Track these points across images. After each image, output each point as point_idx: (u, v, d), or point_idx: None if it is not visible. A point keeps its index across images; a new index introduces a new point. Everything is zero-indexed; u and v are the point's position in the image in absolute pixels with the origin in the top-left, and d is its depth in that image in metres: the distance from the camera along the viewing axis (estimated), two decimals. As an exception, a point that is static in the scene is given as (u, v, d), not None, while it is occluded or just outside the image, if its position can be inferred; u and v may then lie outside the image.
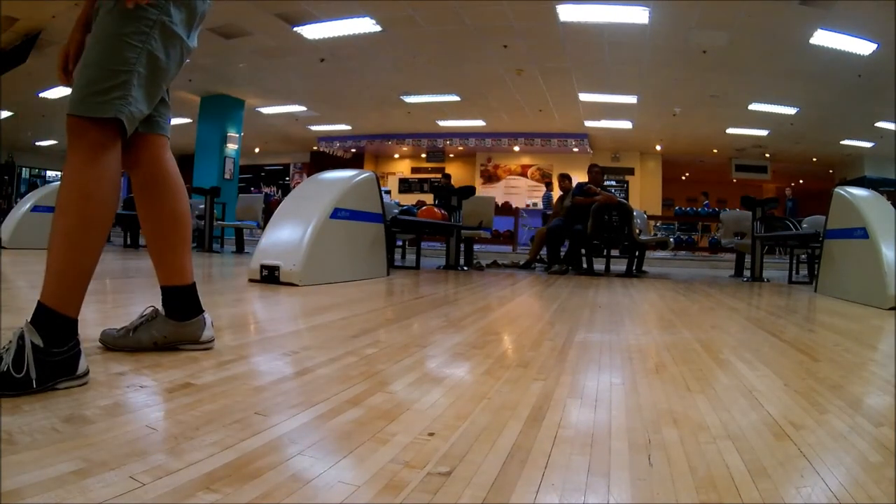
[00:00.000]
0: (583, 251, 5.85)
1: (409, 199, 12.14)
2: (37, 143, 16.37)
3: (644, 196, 14.19)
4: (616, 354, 1.64)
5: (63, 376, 1.03)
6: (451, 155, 16.18)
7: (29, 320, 1.04)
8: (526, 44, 7.90)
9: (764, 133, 11.74)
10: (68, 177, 1.09)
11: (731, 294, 3.99)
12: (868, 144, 11.91)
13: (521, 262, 6.60)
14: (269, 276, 3.18)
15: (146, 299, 1.34)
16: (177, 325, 1.36)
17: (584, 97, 10.32)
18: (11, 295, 2.23)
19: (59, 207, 1.09)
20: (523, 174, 15.61)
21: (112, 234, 9.29)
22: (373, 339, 1.71)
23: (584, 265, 5.78)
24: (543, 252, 6.53)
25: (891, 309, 3.03)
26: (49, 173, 18.32)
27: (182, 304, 1.37)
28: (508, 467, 0.78)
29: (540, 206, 13.20)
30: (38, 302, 1.06)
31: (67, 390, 1.02)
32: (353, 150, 15.77)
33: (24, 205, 5.67)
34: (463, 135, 13.94)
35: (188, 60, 1.28)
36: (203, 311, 1.40)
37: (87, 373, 1.07)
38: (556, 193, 8.37)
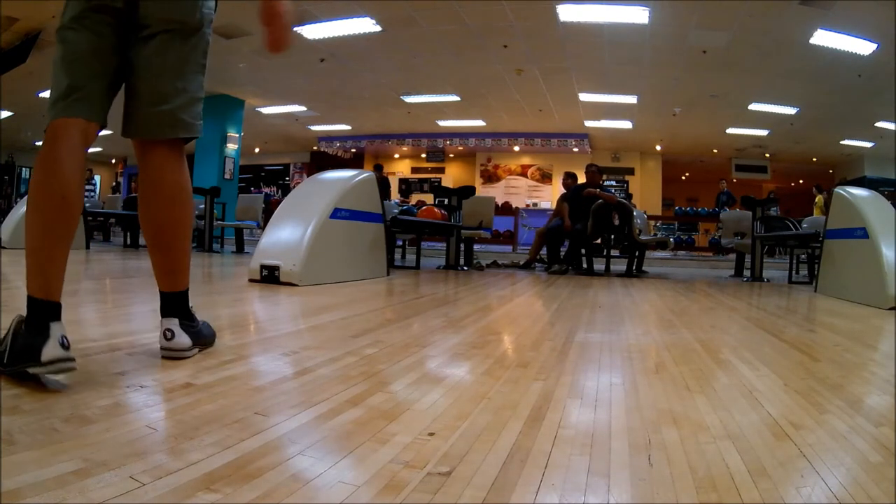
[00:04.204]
0: (583, 251, 5.85)
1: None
2: (37, 143, 16.34)
3: (644, 196, 14.19)
4: (616, 354, 1.64)
5: (25, 361, 1.00)
6: (451, 155, 16.17)
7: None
8: (526, 44, 7.90)
9: (764, 133, 11.74)
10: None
11: (731, 294, 3.99)
12: (868, 144, 11.91)
13: (521, 263, 6.59)
14: (269, 276, 3.18)
15: (146, 299, 1.34)
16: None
17: (584, 97, 10.32)
18: (11, 294, 2.23)
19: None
20: (523, 174, 15.60)
21: (112, 233, 9.31)
22: (373, 339, 1.70)
23: (584, 265, 5.78)
24: (543, 252, 6.53)
25: (891, 309, 3.03)
26: (49, 173, 18.26)
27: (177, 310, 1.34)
28: (508, 467, 0.78)
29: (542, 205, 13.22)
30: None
31: (67, 390, 1.02)
32: (353, 150, 15.77)
33: (24, 205, 5.67)
34: (463, 135, 13.93)
35: None
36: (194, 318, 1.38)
37: (56, 361, 1.02)
38: (556, 193, 8.35)
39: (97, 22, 1.18)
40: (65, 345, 1.05)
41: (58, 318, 1.10)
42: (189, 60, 1.27)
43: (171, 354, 1.29)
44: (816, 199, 11.53)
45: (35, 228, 1.15)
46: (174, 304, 1.31)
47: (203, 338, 1.38)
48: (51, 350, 1.02)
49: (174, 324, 1.29)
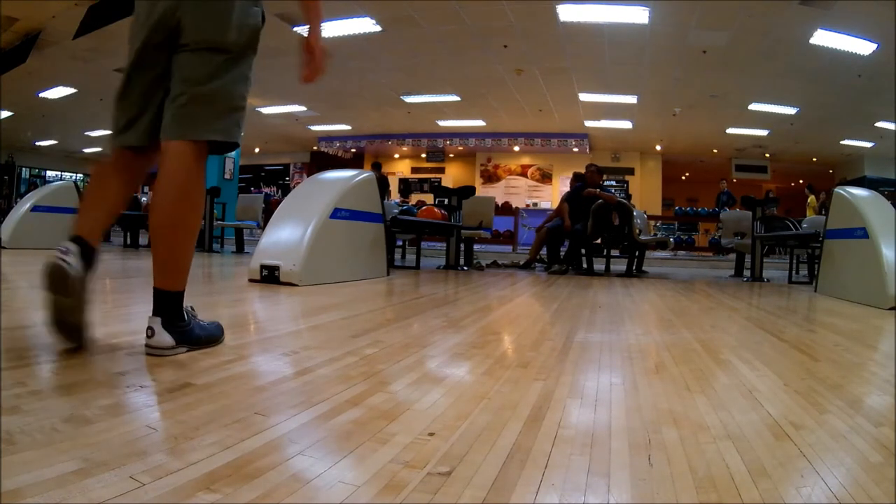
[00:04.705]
0: (583, 251, 5.85)
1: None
2: (37, 143, 16.37)
3: (644, 196, 14.19)
4: (616, 354, 1.63)
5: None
6: (451, 155, 16.18)
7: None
8: (526, 44, 7.90)
9: (764, 133, 11.74)
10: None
11: (731, 294, 3.99)
12: (868, 144, 11.92)
13: (521, 263, 6.59)
14: (269, 276, 3.18)
15: (146, 299, 1.34)
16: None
17: (584, 97, 10.33)
18: (11, 295, 2.23)
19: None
20: (523, 174, 15.61)
21: (112, 234, 9.31)
22: (373, 339, 1.70)
23: (584, 265, 5.78)
24: (543, 252, 6.53)
25: (891, 309, 3.03)
26: (49, 173, 18.31)
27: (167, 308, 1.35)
28: (508, 467, 0.78)
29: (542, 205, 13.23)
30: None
31: (67, 390, 1.02)
32: (353, 150, 15.77)
33: (24, 205, 5.67)
34: (463, 135, 13.94)
35: None
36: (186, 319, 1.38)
37: (54, 257, 1.20)
38: (556, 193, 8.33)
39: (145, 64, 1.34)
40: (63, 250, 1.22)
41: (77, 242, 1.25)
42: (225, 70, 1.34)
43: (151, 352, 1.31)
44: (809, 199, 11.53)
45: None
46: (161, 303, 1.33)
47: (195, 338, 1.37)
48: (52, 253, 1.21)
49: (157, 322, 1.31)
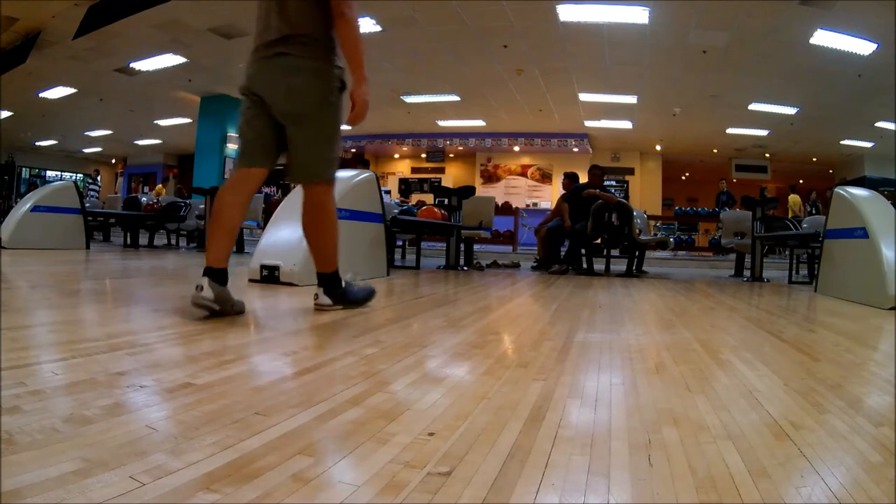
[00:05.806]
0: (583, 251, 5.85)
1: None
2: (37, 143, 16.38)
3: (644, 196, 14.19)
4: (616, 354, 1.63)
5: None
6: (451, 155, 16.18)
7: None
8: (526, 44, 7.91)
9: (764, 133, 11.75)
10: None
11: (731, 294, 3.99)
12: (868, 144, 11.92)
13: (536, 265, 6.47)
14: (269, 277, 3.18)
15: (146, 299, 1.35)
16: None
17: (584, 97, 10.33)
18: (11, 295, 2.23)
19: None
20: (523, 174, 15.60)
21: (112, 234, 9.33)
22: (373, 339, 1.70)
23: (584, 265, 5.77)
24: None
25: (891, 309, 3.03)
26: (49, 173, 18.32)
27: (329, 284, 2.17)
28: (508, 467, 0.78)
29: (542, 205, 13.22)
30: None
31: (67, 390, 1.02)
32: (353, 150, 15.78)
33: (24, 205, 5.66)
34: (463, 135, 13.94)
35: None
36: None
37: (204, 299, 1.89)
38: (556, 193, 8.31)
39: (251, 111, 2.03)
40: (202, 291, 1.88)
41: (217, 278, 1.90)
42: (316, 132, 2.00)
43: (318, 308, 2.15)
44: (790, 199, 11.54)
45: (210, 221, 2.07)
46: (323, 280, 2.15)
47: (349, 298, 2.20)
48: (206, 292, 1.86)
49: (321, 291, 2.16)
